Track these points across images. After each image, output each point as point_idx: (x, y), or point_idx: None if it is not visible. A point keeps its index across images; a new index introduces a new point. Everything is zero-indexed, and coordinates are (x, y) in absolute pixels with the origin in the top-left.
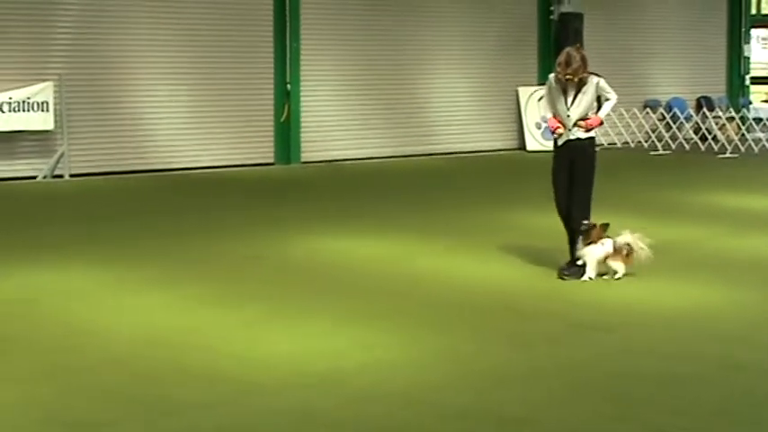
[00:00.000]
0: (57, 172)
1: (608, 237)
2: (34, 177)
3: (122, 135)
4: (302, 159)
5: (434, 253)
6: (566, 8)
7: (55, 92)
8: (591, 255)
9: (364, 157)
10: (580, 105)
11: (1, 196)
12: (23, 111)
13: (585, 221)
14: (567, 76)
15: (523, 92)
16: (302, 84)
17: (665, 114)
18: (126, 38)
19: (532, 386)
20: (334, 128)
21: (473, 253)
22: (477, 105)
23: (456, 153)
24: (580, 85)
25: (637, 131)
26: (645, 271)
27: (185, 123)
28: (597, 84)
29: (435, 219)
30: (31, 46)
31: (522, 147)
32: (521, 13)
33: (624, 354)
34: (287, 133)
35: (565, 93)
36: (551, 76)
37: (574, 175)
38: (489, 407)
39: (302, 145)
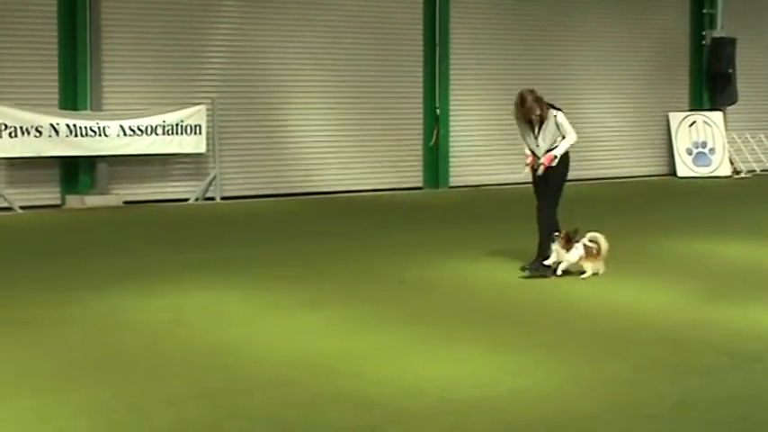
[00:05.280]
0: (208, 194)
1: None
2: (186, 200)
3: (273, 158)
4: (450, 184)
5: (583, 280)
6: (718, 33)
7: (207, 115)
8: (570, 259)
9: (513, 182)
10: (545, 138)
11: (154, 218)
12: (177, 134)
13: (557, 233)
14: (520, 116)
15: (674, 117)
16: (451, 108)
17: None
18: (277, 63)
19: (686, 419)
20: (483, 152)
21: (623, 280)
22: (627, 130)
23: (605, 179)
24: (542, 120)
25: None
26: None
27: (335, 147)
28: (555, 117)
29: None
30: (185, 70)
31: (673, 172)
32: (672, 38)
33: None
34: (435, 157)
35: (532, 128)
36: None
37: (545, 186)
38: None
39: (451, 169)
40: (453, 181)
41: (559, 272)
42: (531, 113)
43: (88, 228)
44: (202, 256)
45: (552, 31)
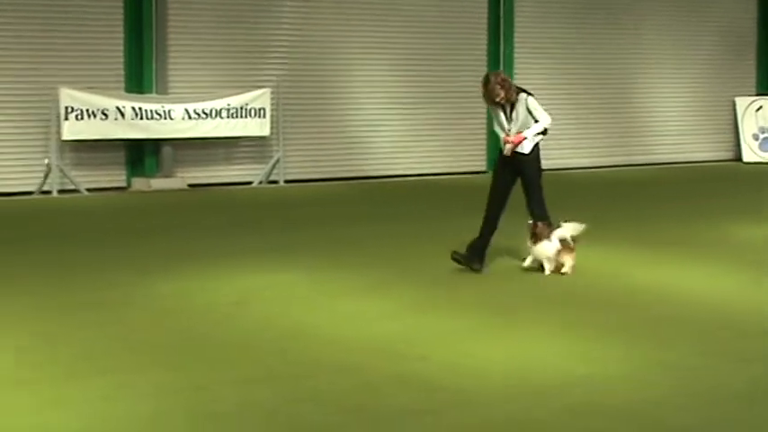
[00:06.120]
0: (272, 178)
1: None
2: (250, 183)
3: (336, 142)
4: None
5: (651, 264)
6: None
7: (272, 99)
8: (545, 252)
9: (576, 166)
10: (516, 121)
11: (218, 201)
12: (241, 117)
13: (530, 222)
14: (485, 97)
15: (741, 102)
16: None
17: None
18: (341, 47)
19: (753, 405)
20: (546, 136)
21: (689, 266)
22: (692, 115)
23: (670, 163)
24: (511, 104)
25: None
26: None
27: (398, 131)
28: (526, 100)
29: (651, 229)
30: (250, 54)
31: (738, 158)
32: (739, 21)
33: None
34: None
35: (504, 111)
36: None
37: (524, 182)
38: (709, 425)
39: None
40: None
41: (547, 272)
42: (492, 95)
43: (153, 210)
44: (267, 239)
45: (617, 15)
